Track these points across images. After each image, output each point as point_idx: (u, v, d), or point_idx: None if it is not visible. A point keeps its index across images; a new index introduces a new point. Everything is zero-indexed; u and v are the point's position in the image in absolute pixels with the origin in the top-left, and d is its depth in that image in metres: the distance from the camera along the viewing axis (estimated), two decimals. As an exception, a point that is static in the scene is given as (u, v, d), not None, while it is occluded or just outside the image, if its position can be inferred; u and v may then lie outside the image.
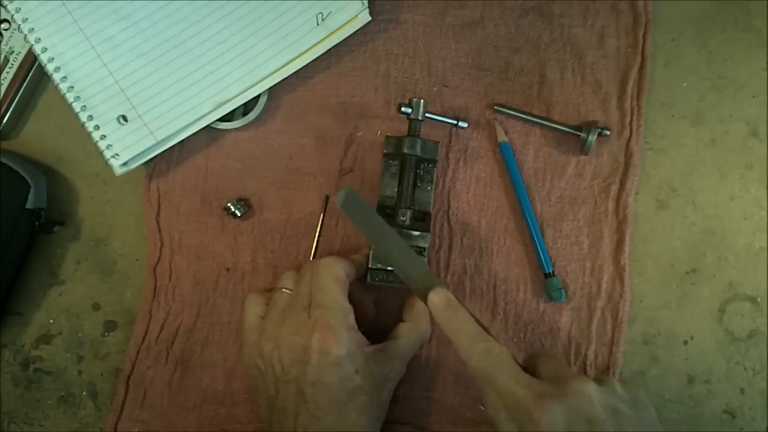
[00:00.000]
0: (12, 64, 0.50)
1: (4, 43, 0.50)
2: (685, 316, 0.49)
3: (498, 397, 0.37)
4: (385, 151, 0.47)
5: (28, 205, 0.48)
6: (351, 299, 0.43)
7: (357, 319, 0.43)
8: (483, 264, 0.49)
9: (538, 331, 0.48)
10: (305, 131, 0.51)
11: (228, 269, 0.50)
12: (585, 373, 0.48)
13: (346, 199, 0.41)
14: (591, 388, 0.36)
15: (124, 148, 0.47)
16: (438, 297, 0.40)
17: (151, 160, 0.49)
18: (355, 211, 0.42)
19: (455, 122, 0.48)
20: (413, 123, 0.46)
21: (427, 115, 0.47)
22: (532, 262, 0.49)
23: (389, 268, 0.44)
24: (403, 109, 0.46)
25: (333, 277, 0.42)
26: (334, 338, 0.40)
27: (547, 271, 0.48)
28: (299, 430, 0.40)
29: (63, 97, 0.47)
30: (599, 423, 0.35)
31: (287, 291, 0.45)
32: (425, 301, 0.41)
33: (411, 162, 0.46)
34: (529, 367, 0.39)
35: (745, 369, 0.48)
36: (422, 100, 0.46)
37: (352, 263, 0.44)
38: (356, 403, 0.41)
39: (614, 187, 0.49)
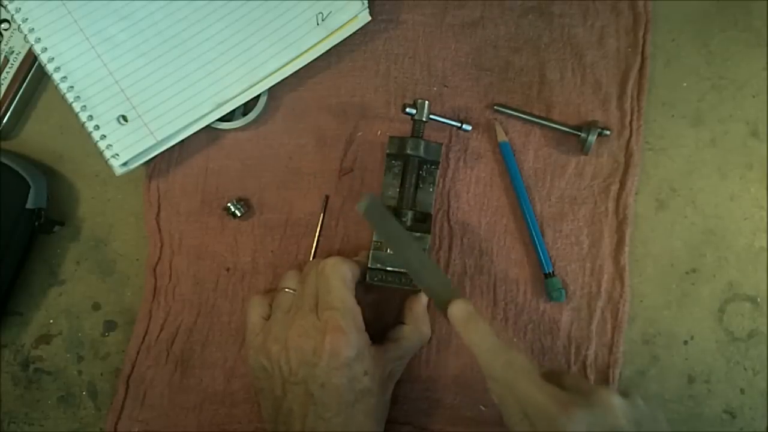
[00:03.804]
0: (12, 64, 0.50)
1: (4, 43, 0.50)
2: (685, 316, 0.49)
3: (520, 408, 0.37)
4: (388, 151, 0.47)
5: (28, 205, 0.48)
6: (352, 300, 0.43)
7: (358, 320, 0.43)
8: (483, 264, 0.49)
9: (538, 331, 0.48)
10: (305, 131, 0.51)
11: (228, 269, 0.50)
12: (585, 373, 0.48)
13: (369, 206, 0.41)
14: (616, 400, 0.36)
15: (124, 148, 0.47)
16: (459, 309, 0.40)
17: (151, 160, 0.49)
18: (377, 219, 0.41)
19: (459, 125, 0.48)
20: (417, 124, 0.46)
21: (431, 116, 0.47)
22: (532, 262, 0.49)
23: (389, 269, 0.44)
24: (407, 109, 0.46)
25: (341, 278, 0.42)
26: (346, 340, 0.40)
27: (547, 271, 0.48)
28: (307, 431, 0.40)
29: (63, 97, 0.47)
30: None
31: (290, 291, 0.45)
32: (445, 311, 0.41)
33: (414, 163, 0.46)
34: (551, 381, 0.38)
35: (745, 369, 0.48)
36: (427, 102, 0.46)
37: (357, 264, 0.44)
38: (364, 404, 0.41)
39: (614, 187, 0.49)
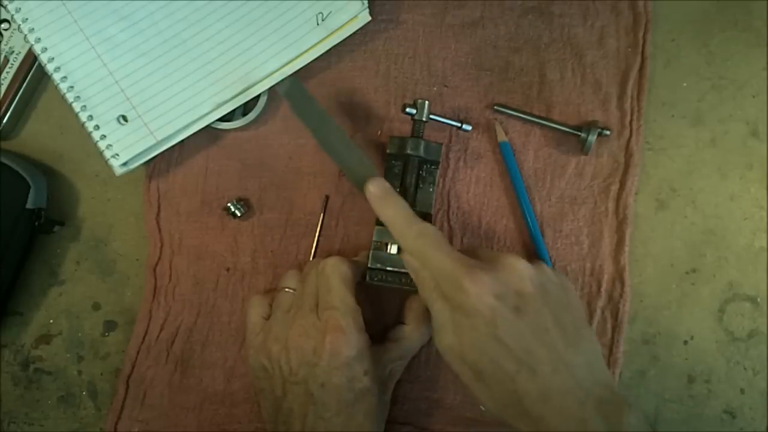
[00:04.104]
0: (12, 64, 0.50)
1: (4, 43, 0.50)
2: (685, 316, 0.49)
3: (431, 277, 0.38)
4: (388, 151, 0.47)
5: (28, 205, 0.48)
6: (352, 300, 0.43)
7: (358, 320, 0.43)
8: (483, 264, 0.49)
9: (538, 331, 0.48)
10: (305, 131, 0.51)
11: (228, 269, 0.50)
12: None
13: (290, 88, 0.42)
14: (522, 264, 0.38)
15: (124, 148, 0.47)
16: (375, 186, 0.42)
17: (151, 160, 0.49)
18: (299, 101, 0.43)
19: (459, 125, 0.48)
20: (417, 124, 0.46)
21: (431, 116, 0.47)
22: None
23: (388, 269, 0.44)
24: (407, 110, 0.46)
25: (341, 278, 0.42)
26: (346, 340, 0.40)
27: (547, 271, 0.48)
28: (307, 431, 0.40)
29: (63, 97, 0.47)
30: (528, 296, 0.37)
31: (290, 291, 0.45)
32: (363, 191, 0.42)
33: (414, 163, 0.46)
34: (467, 254, 0.39)
35: (745, 369, 0.49)
36: (427, 102, 0.46)
37: (357, 264, 0.44)
38: (363, 404, 0.41)
39: (614, 187, 0.49)
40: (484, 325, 0.36)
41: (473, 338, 0.36)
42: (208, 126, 0.49)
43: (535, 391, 0.35)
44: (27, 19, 0.47)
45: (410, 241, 0.39)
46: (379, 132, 0.51)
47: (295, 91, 0.42)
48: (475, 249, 0.42)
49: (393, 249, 0.44)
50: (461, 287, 0.36)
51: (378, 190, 0.42)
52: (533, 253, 0.49)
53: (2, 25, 0.50)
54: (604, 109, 0.50)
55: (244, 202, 0.50)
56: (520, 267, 0.37)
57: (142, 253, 0.51)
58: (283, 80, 0.41)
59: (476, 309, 0.36)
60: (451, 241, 0.49)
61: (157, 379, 0.49)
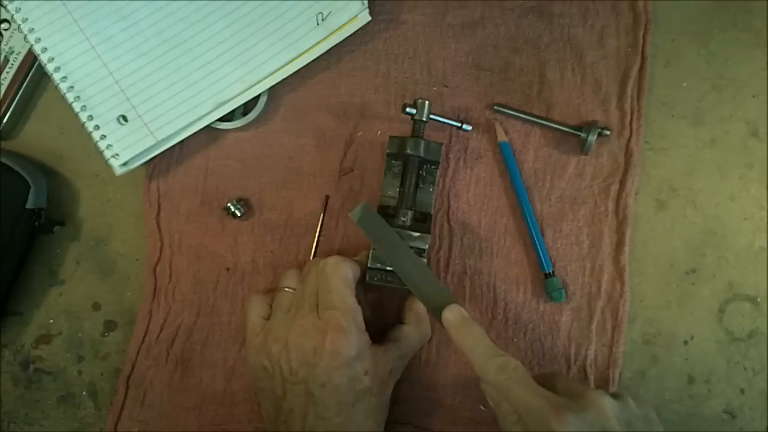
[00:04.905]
0: (12, 64, 0.50)
1: (4, 43, 0.50)
2: (685, 316, 0.49)
3: (514, 411, 0.38)
4: (388, 151, 0.47)
5: (28, 205, 0.48)
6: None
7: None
8: (483, 264, 0.49)
9: (538, 331, 0.48)
10: (305, 131, 0.51)
11: (228, 269, 0.50)
12: (585, 373, 0.48)
13: (363, 214, 0.42)
14: (607, 402, 0.37)
15: (124, 148, 0.47)
16: (453, 314, 0.41)
17: (151, 160, 0.49)
18: (371, 226, 0.43)
19: (459, 125, 0.48)
20: (417, 124, 0.46)
21: (431, 116, 0.47)
22: (532, 262, 0.49)
23: (388, 268, 0.44)
24: (407, 109, 0.46)
25: (342, 278, 0.42)
26: (346, 340, 0.40)
27: (547, 271, 0.48)
28: (307, 431, 0.40)
29: (63, 97, 0.47)
30: None
31: (290, 290, 0.45)
32: (439, 317, 0.41)
33: (414, 163, 0.46)
34: (545, 384, 0.39)
35: (745, 369, 0.48)
36: (427, 102, 0.46)
37: (357, 264, 0.44)
38: (364, 404, 0.41)
39: (614, 187, 0.49)
40: None
41: None
42: (208, 126, 0.49)
43: None
44: (27, 19, 0.47)
45: (492, 374, 0.39)
46: (379, 132, 0.51)
47: (367, 216, 0.42)
48: (554, 377, 0.41)
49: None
50: (548, 427, 0.35)
51: (456, 319, 0.41)
52: (533, 253, 0.49)
53: (2, 25, 0.50)
54: (604, 109, 0.50)
55: (244, 202, 0.50)
56: (606, 406, 0.37)
57: (142, 253, 0.51)
58: (355, 207, 0.42)
59: None
60: (451, 241, 0.49)
61: (157, 379, 0.49)
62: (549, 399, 0.37)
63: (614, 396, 0.38)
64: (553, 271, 0.48)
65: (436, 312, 0.42)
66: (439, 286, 0.42)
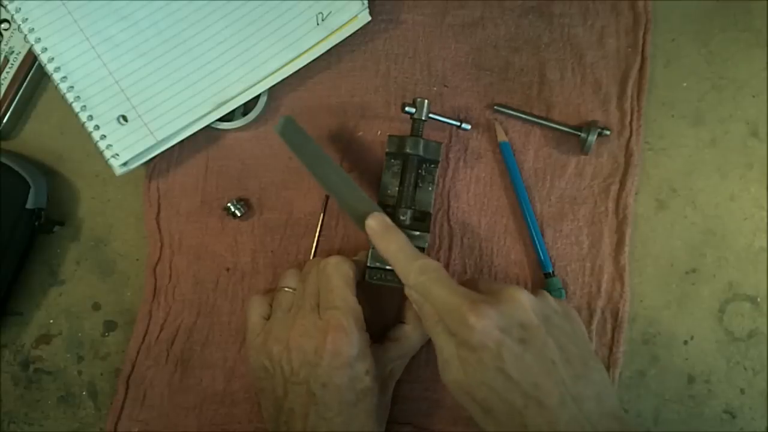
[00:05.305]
0: (12, 64, 0.50)
1: (4, 43, 0.50)
2: (685, 316, 0.49)
3: (434, 312, 0.38)
4: (387, 150, 0.47)
5: (28, 205, 0.48)
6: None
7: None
8: (483, 264, 0.49)
9: (538, 331, 0.48)
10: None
11: (228, 269, 0.50)
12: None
13: (285, 126, 0.42)
14: (524, 296, 0.38)
15: (124, 148, 0.47)
16: (375, 221, 0.42)
17: (151, 160, 0.49)
18: (294, 139, 0.43)
19: (458, 124, 0.48)
20: (416, 123, 0.46)
21: (430, 115, 0.47)
22: (532, 262, 0.49)
23: (388, 267, 0.44)
24: (407, 108, 0.46)
25: (343, 277, 0.42)
26: (348, 339, 0.40)
27: (547, 271, 0.48)
28: (308, 431, 0.40)
29: (63, 97, 0.47)
30: (532, 328, 0.37)
31: (290, 290, 0.45)
32: (363, 228, 0.42)
33: (413, 162, 0.46)
34: (467, 286, 0.39)
35: (745, 369, 0.48)
36: (426, 101, 0.46)
37: (357, 264, 0.44)
38: (365, 404, 0.41)
39: (614, 187, 0.49)
40: (490, 360, 0.36)
41: (480, 373, 0.36)
42: (208, 126, 0.49)
43: (544, 425, 0.35)
44: (27, 19, 0.47)
45: (413, 276, 0.39)
46: (379, 132, 0.51)
47: (289, 129, 0.42)
48: (476, 281, 0.42)
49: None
50: (466, 322, 0.36)
51: (378, 226, 0.42)
52: (533, 253, 0.49)
53: (2, 25, 0.50)
54: (604, 109, 0.50)
55: (244, 202, 0.50)
56: (522, 299, 0.37)
57: (142, 253, 0.51)
58: (279, 121, 0.42)
59: (482, 343, 0.36)
60: (451, 241, 0.49)
61: (157, 379, 0.49)
62: (467, 295, 0.37)
63: (533, 292, 0.39)
64: (553, 271, 0.48)
65: (360, 221, 0.42)
66: (363, 195, 0.43)
